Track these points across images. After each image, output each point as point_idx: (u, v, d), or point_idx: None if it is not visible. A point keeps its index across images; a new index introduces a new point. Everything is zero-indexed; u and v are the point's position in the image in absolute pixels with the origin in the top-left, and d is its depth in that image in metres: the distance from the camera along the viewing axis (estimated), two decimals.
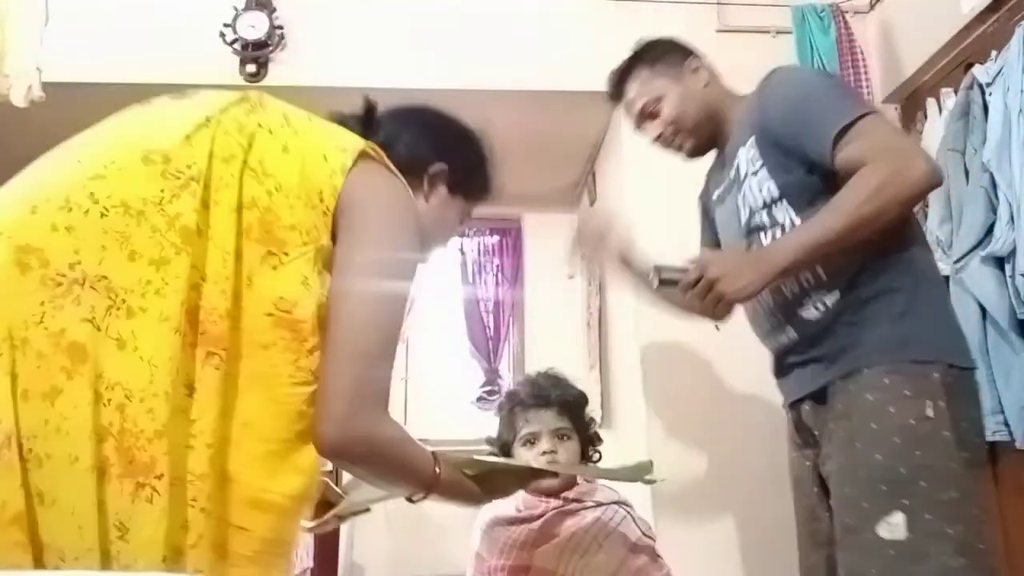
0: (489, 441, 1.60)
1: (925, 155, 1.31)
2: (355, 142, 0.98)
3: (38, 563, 0.75)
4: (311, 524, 1.27)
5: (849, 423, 1.29)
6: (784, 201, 1.38)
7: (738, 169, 1.48)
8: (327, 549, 2.69)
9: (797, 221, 1.36)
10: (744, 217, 1.46)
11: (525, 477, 1.29)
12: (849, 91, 1.45)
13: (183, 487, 0.80)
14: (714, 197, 1.61)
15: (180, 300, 0.82)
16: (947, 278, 1.99)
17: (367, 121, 1.16)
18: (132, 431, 0.78)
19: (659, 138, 1.60)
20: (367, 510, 1.29)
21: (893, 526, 1.19)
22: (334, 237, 0.92)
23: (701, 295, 1.29)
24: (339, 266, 0.91)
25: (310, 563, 2.47)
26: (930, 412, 1.23)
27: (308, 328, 0.88)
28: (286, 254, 0.88)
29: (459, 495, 1.13)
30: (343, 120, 1.12)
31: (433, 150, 1.16)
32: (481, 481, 1.14)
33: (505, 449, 1.55)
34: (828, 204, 1.29)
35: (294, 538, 0.90)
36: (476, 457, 1.21)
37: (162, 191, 0.86)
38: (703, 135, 1.58)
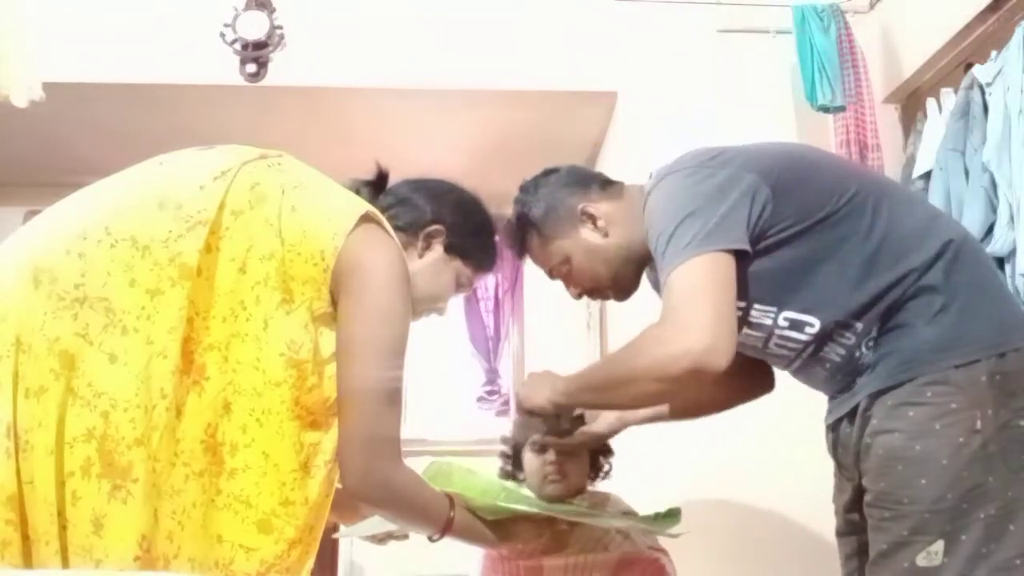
0: (504, 440, 1.60)
1: (708, 328, 1.14)
2: (358, 206, 1.07)
3: (25, 540, 0.85)
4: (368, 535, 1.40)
5: (889, 440, 1.18)
6: (755, 304, 1.27)
7: None
8: (327, 548, 2.69)
9: (785, 314, 1.27)
10: None
11: (541, 525, 1.36)
12: (689, 227, 1.20)
13: (165, 499, 0.89)
14: None
15: (168, 327, 0.92)
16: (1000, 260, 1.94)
17: (378, 185, 1.27)
18: (114, 436, 0.87)
19: (582, 297, 1.49)
20: (406, 536, 1.38)
21: (932, 554, 1.12)
22: (334, 292, 1.02)
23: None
24: (341, 325, 1.01)
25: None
26: (979, 424, 1.13)
27: (309, 368, 0.98)
28: (293, 302, 0.99)
29: (473, 538, 1.27)
30: (358, 187, 1.23)
31: (432, 212, 1.25)
32: (497, 527, 1.28)
33: (516, 451, 1.55)
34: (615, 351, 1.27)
35: (301, 566, 0.98)
36: (498, 503, 1.28)
37: (170, 231, 0.96)
38: (628, 279, 1.44)
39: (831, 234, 1.24)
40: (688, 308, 1.16)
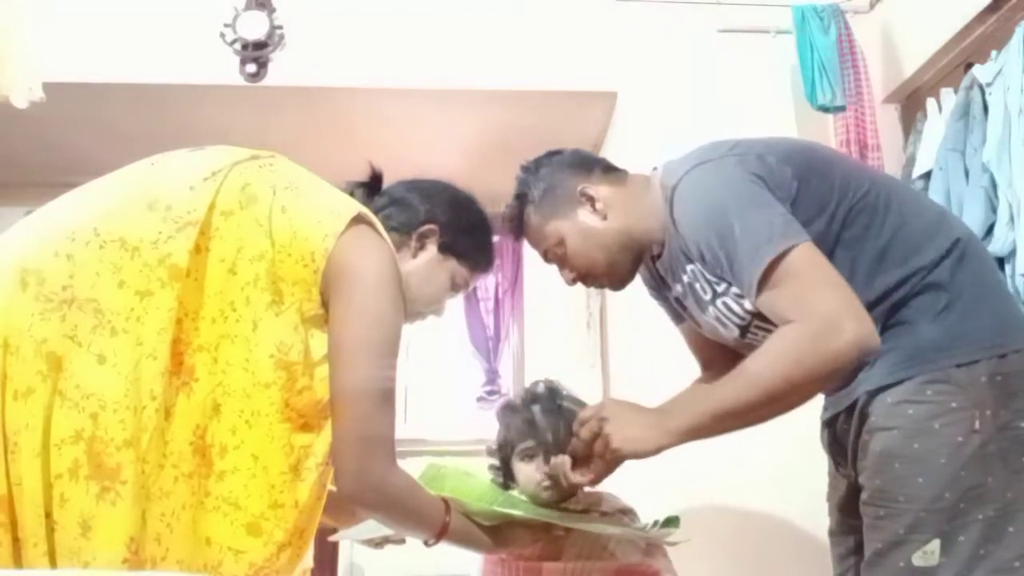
0: (489, 452, 1.59)
1: (856, 315, 1.12)
2: (349, 207, 1.06)
3: (15, 542, 0.85)
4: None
5: (888, 438, 1.17)
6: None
7: (692, 288, 1.34)
8: (327, 549, 2.69)
9: None
10: (732, 325, 1.31)
11: (537, 531, 1.34)
12: (757, 220, 1.17)
13: (153, 501, 0.89)
14: (675, 293, 1.42)
15: (158, 329, 0.91)
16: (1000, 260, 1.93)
17: (372, 186, 1.27)
18: (103, 438, 0.87)
19: (576, 282, 1.44)
20: (403, 541, 1.37)
21: (928, 554, 1.12)
22: (324, 293, 1.01)
23: (589, 439, 1.23)
24: (332, 327, 1.00)
25: (310, 563, 2.46)
26: (978, 424, 1.13)
27: (300, 369, 0.98)
28: (283, 303, 0.98)
29: (469, 542, 1.24)
30: (352, 188, 1.22)
31: (425, 212, 1.24)
32: (493, 532, 1.25)
33: (505, 460, 1.54)
34: (741, 366, 1.16)
35: (290, 569, 0.98)
36: (494, 508, 1.26)
37: (159, 232, 0.95)
38: (625, 267, 1.40)
39: (844, 230, 1.24)
40: (824, 300, 1.13)
